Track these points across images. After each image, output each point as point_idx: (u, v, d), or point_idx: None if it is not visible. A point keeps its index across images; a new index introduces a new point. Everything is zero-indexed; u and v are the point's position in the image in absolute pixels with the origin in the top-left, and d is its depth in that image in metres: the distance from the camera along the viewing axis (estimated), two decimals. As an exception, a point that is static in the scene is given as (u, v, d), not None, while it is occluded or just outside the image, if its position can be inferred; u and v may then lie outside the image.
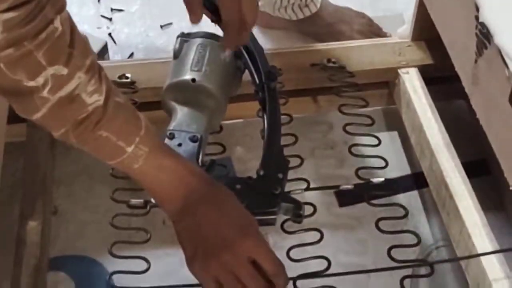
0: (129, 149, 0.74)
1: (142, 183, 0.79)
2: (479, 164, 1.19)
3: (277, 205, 0.89)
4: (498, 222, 1.10)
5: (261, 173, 0.91)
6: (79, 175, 1.20)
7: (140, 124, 0.76)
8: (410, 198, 1.19)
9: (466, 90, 0.99)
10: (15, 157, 1.13)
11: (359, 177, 1.01)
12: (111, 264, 1.08)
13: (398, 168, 1.22)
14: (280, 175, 0.91)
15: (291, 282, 0.85)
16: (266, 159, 0.93)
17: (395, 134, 1.27)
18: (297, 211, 0.90)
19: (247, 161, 1.20)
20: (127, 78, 1.13)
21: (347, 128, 1.04)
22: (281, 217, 0.92)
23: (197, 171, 0.81)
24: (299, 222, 0.91)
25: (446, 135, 1.09)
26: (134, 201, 0.96)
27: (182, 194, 0.78)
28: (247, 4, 0.89)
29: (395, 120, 1.25)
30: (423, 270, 1.00)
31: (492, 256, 0.93)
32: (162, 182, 0.78)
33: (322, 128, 1.26)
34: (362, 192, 1.01)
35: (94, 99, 0.72)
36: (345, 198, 1.17)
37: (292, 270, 0.87)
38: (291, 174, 0.95)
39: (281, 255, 0.83)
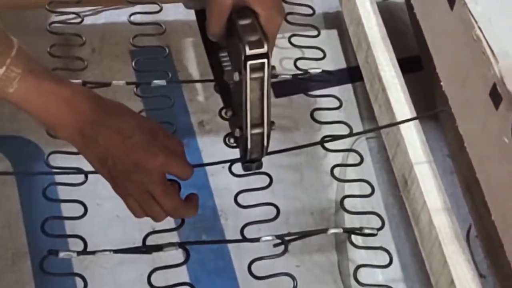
0: (0, 71, 0.70)
1: (27, 110, 0.74)
2: (412, 60, 1.22)
3: None
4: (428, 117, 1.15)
5: None
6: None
7: (11, 44, 0.71)
8: (344, 91, 1.23)
9: (406, -16, 1.00)
10: None
11: (297, 68, 1.02)
12: (46, 145, 1.08)
13: (334, 62, 1.25)
14: None
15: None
16: None
17: (333, 32, 1.29)
18: None
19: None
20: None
21: (288, 17, 1.05)
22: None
23: (84, 92, 0.77)
24: None
25: (383, 29, 1.11)
26: (72, 81, 0.95)
27: (73, 118, 0.75)
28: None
29: (334, 19, 1.27)
30: (351, 159, 1.05)
31: (417, 144, 0.97)
32: (47, 107, 0.74)
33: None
34: (299, 83, 1.04)
35: None
36: (281, 89, 1.20)
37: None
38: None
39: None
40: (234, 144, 0.82)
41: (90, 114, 0.75)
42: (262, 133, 0.77)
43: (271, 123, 0.77)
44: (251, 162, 0.81)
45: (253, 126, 0.76)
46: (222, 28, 0.75)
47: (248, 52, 0.71)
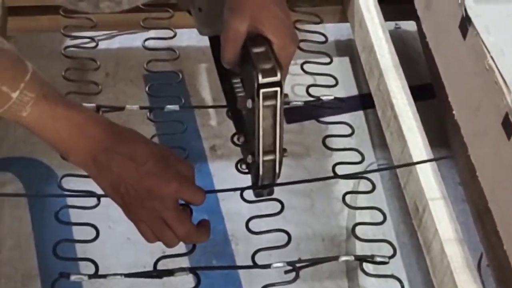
0: (14, 95, 0.70)
1: (40, 135, 0.74)
2: (424, 88, 1.23)
3: None
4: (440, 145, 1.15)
5: None
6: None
7: (25, 69, 0.71)
8: (355, 118, 1.23)
9: (419, 13, 1.01)
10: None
11: (309, 94, 1.03)
12: (59, 168, 1.09)
13: (346, 89, 1.26)
14: None
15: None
16: None
17: (345, 59, 1.30)
18: None
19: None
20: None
21: (301, 44, 1.05)
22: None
23: (97, 118, 0.77)
24: None
25: (396, 56, 1.11)
26: (86, 105, 0.96)
27: (86, 144, 0.75)
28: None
29: (346, 46, 1.28)
30: (362, 187, 1.05)
31: (429, 172, 0.97)
32: (60, 132, 0.74)
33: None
34: (311, 109, 1.04)
35: None
36: (293, 115, 1.20)
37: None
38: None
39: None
40: (246, 170, 0.83)
41: (103, 141, 0.75)
42: (274, 160, 0.77)
43: (283, 150, 0.77)
44: (262, 188, 0.82)
45: (265, 152, 0.77)
46: (237, 55, 0.76)
47: (262, 80, 0.71)
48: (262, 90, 0.72)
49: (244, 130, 0.81)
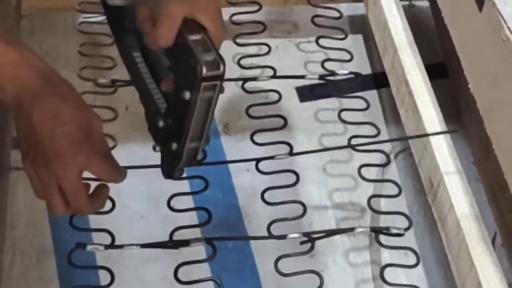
0: None
1: None
2: (438, 67, 1.22)
3: None
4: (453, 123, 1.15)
5: None
6: (43, 57, 1.18)
7: None
8: (368, 97, 1.22)
9: (434, -13, 1.00)
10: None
11: (324, 68, 1.03)
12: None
13: (360, 68, 1.25)
14: None
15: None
16: None
17: (359, 37, 1.30)
18: None
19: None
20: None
21: (315, 19, 1.05)
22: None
23: (34, 60, 0.73)
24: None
25: (410, 33, 1.11)
26: (101, 80, 0.97)
27: (14, 84, 0.71)
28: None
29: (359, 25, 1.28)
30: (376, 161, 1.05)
31: (444, 146, 0.97)
32: None
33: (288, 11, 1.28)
34: (324, 86, 1.04)
35: None
36: (307, 93, 1.20)
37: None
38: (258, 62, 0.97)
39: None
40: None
41: (32, 85, 0.71)
42: (198, 148, 0.76)
43: (207, 138, 0.76)
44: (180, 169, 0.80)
45: (192, 140, 0.74)
46: (171, 40, 0.72)
47: (205, 74, 0.68)
48: (204, 83, 0.69)
49: (166, 114, 0.77)
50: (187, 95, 0.71)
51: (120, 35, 0.79)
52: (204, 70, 0.68)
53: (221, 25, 0.73)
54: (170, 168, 0.79)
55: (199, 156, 0.77)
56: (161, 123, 0.76)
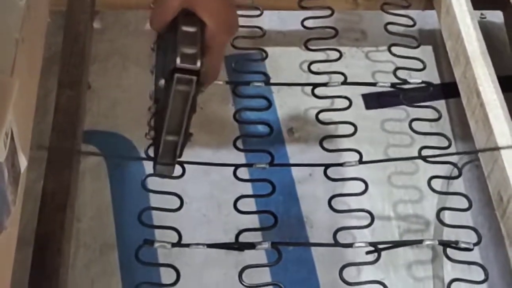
0: None
1: None
2: (509, 79, 1.20)
3: None
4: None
5: None
6: (114, 54, 1.21)
7: None
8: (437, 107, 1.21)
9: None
10: (53, 30, 1.14)
11: (396, 77, 1.02)
12: (140, 143, 1.10)
13: (428, 78, 1.23)
14: None
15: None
16: None
17: (428, 48, 1.28)
18: None
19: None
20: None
21: (388, 27, 1.04)
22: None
23: None
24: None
25: (483, 43, 1.09)
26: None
27: None
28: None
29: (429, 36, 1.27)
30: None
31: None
32: None
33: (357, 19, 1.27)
34: (393, 95, 1.03)
35: None
36: (373, 101, 1.19)
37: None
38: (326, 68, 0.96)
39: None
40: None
41: None
42: (176, 142, 0.74)
43: (189, 135, 0.75)
44: (164, 165, 0.78)
45: (169, 133, 0.73)
46: (163, 27, 0.73)
47: (178, 65, 0.67)
48: (176, 75, 0.68)
49: (155, 103, 0.77)
50: (161, 82, 0.70)
51: None
52: (178, 60, 0.67)
53: (223, 23, 0.72)
54: (154, 160, 0.78)
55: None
56: (152, 109, 0.77)
